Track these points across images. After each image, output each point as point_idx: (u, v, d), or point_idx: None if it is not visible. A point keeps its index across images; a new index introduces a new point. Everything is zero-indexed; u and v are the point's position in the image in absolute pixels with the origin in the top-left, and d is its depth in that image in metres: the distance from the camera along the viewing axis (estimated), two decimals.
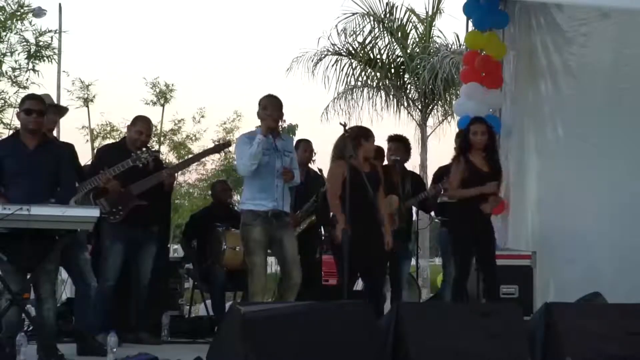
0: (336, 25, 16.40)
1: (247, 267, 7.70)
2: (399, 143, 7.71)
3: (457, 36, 16.26)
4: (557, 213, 8.05)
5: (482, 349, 5.15)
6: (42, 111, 5.83)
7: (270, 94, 6.45)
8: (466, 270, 6.81)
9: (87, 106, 24.58)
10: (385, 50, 16.71)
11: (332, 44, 16.59)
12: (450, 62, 15.69)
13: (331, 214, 6.59)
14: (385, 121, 16.95)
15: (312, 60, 16.78)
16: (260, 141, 6.19)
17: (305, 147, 7.77)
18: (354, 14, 16.18)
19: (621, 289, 6.79)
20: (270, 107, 6.36)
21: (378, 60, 16.66)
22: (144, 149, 6.73)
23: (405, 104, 16.91)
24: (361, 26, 16.38)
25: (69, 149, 6.50)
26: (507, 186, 8.34)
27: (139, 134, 6.88)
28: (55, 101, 20.79)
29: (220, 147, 8.95)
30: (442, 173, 7.74)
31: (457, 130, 8.72)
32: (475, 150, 6.84)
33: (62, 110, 6.80)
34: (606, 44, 7.80)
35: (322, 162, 14.70)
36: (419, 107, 16.86)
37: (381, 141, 7.76)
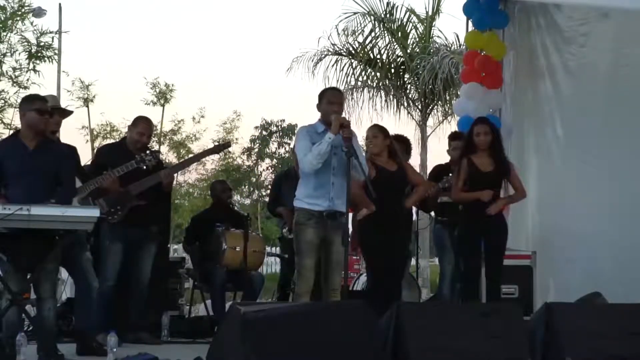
0: (336, 25, 16.40)
1: (246, 267, 7.79)
2: (400, 143, 7.70)
3: (457, 36, 16.25)
4: (557, 213, 8.06)
5: (482, 349, 5.15)
6: (50, 112, 5.92)
7: (333, 87, 6.29)
8: (474, 270, 6.78)
9: (87, 106, 24.64)
10: (385, 50, 16.71)
11: (332, 44, 16.58)
12: (450, 62, 15.68)
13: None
14: (385, 121, 16.93)
15: (312, 60, 16.77)
16: (330, 140, 5.84)
17: None
18: (354, 13, 16.18)
19: (621, 289, 6.78)
20: (338, 102, 6.14)
21: (378, 60, 16.65)
22: (147, 151, 6.73)
23: (405, 104, 16.89)
24: (362, 26, 16.39)
25: (71, 151, 6.50)
26: (507, 186, 8.34)
27: (140, 135, 6.89)
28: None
29: (219, 147, 8.93)
30: (439, 172, 7.76)
31: (457, 130, 8.74)
32: (480, 151, 6.83)
33: (66, 113, 6.81)
34: (605, 43, 7.80)
35: None
36: (419, 107, 16.84)
37: None
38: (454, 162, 7.52)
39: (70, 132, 27.30)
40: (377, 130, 6.88)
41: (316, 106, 6.13)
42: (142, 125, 6.97)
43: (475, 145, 6.82)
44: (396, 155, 6.84)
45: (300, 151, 5.97)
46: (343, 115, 6.31)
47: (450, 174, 7.36)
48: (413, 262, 8.67)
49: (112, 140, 21.54)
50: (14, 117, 15.73)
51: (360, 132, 7.96)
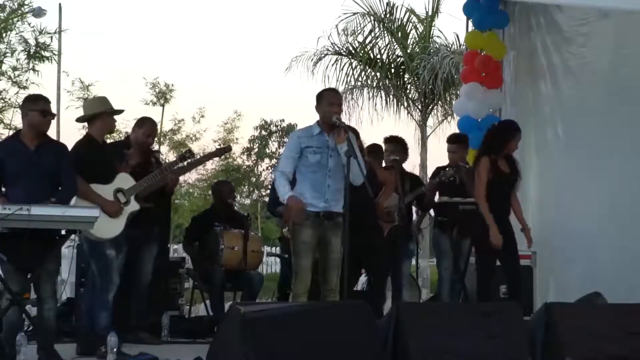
0: (336, 25, 16.41)
1: (244, 266, 7.79)
2: (396, 144, 7.74)
3: (457, 36, 16.25)
4: (557, 213, 8.06)
5: (482, 349, 5.16)
6: (53, 114, 5.93)
7: (332, 88, 6.37)
8: (490, 273, 6.72)
9: None
10: (385, 50, 16.71)
11: (332, 44, 16.58)
12: (450, 62, 15.69)
13: None
14: (385, 121, 16.97)
15: (312, 60, 16.77)
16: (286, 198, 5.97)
17: None
18: (354, 13, 16.18)
19: (621, 289, 6.79)
20: (338, 103, 6.19)
21: (378, 60, 16.65)
22: (153, 159, 6.85)
23: (405, 104, 16.89)
24: (361, 26, 16.40)
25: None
26: None
27: (146, 137, 6.98)
28: (55, 102, 20.75)
29: (220, 151, 8.90)
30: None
31: (457, 130, 8.75)
32: (503, 154, 6.75)
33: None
34: (606, 44, 7.81)
35: None
36: (419, 107, 16.84)
37: (380, 142, 7.81)
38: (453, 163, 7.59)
39: (71, 132, 27.36)
40: None
41: (315, 107, 6.12)
42: (148, 126, 7.04)
43: (505, 149, 6.74)
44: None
45: (282, 159, 6.17)
46: (343, 116, 6.33)
47: (448, 169, 7.47)
48: (413, 262, 8.65)
49: (111, 141, 21.52)
50: (14, 117, 15.73)
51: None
